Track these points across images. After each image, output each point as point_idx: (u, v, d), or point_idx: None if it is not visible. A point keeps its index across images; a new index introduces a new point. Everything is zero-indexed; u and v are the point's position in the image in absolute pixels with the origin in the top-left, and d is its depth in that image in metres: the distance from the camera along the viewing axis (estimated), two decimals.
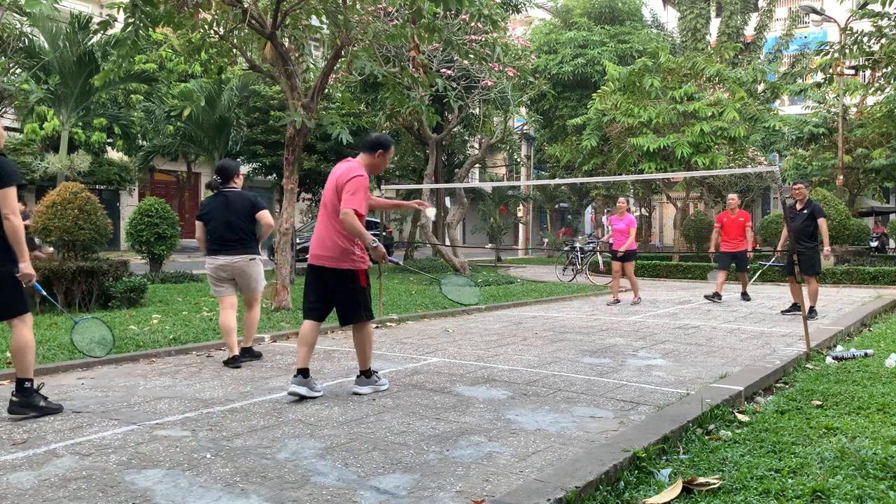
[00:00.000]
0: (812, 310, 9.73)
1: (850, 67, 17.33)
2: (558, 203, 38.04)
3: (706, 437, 4.17)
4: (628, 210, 12.39)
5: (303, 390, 5.09)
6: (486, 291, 13.36)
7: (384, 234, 20.52)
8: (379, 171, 5.45)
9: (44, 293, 5.60)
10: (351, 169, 5.15)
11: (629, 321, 9.70)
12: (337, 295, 5.26)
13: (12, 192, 4.49)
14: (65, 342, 6.88)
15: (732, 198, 12.59)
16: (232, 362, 6.33)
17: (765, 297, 13.05)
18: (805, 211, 9.77)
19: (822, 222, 9.72)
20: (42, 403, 4.65)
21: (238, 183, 6.72)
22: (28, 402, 4.61)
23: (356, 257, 5.16)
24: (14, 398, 4.62)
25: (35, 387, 4.69)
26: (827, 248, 9.79)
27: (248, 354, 6.64)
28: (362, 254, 5.21)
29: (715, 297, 12.24)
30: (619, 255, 12.11)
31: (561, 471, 3.41)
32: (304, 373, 5.13)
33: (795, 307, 9.79)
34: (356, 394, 5.28)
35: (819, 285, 10.46)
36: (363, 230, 4.99)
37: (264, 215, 6.60)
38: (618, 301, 12.12)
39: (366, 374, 5.39)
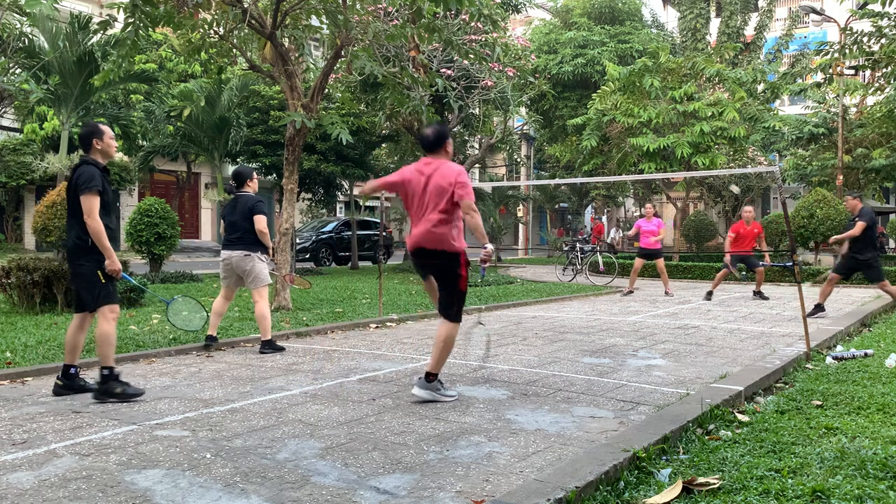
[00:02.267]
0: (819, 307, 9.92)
1: (850, 67, 17.31)
2: (558, 203, 38.04)
3: (706, 437, 4.17)
4: (655, 214, 14.25)
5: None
6: (486, 291, 13.36)
7: (385, 234, 20.53)
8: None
9: (134, 283, 6.57)
10: (446, 162, 5.18)
11: (629, 321, 9.70)
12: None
13: (93, 198, 4.95)
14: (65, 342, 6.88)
15: (749, 210, 12.80)
16: (207, 340, 7.12)
17: (767, 296, 13.05)
18: (855, 219, 9.69)
19: (858, 225, 9.63)
20: (118, 390, 4.97)
21: (251, 187, 7.21)
22: (106, 390, 4.95)
23: (455, 243, 5.17)
24: (96, 386, 5.00)
25: (115, 374, 5.03)
26: (844, 247, 9.85)
27: (269, 348, 7.08)
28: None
29: (708, 295, 12.84)
30: (647, 253, 13.98)
31: (561, 471, 3.41)
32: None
33: (819, 308, 9.87)
34: (413, 395, 5.05)
35: (813, 286, 10.54)
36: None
37: (257, 220, 7.05)
38: (631, 292, 13.91)
39: (429, 378, 5.09)
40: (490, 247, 5.15)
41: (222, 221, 7.35)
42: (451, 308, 5.13)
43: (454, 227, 5.14)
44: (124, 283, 9.77)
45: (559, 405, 4.96)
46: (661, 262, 14.07)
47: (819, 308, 9.83)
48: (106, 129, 5.25)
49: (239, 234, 7.03)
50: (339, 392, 5.36)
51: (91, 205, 4.94)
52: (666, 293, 13.73)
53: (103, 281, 5.04)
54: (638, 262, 14.30)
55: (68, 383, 5.19)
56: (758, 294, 12.82)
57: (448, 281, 5.17)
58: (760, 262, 12.77)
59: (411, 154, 23.59)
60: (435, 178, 5.09)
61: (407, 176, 5.25)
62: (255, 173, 7.35)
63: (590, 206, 39.68)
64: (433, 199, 5.08)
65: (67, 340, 5.20)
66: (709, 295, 12.86)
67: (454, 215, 5.11)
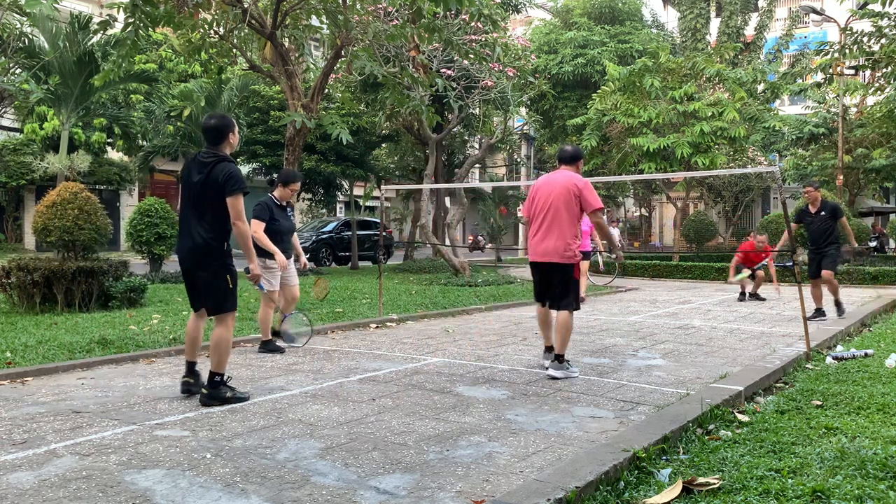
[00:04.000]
0: (838, 306, 9.72)
1: (850, 67, 17.32)
2: None
3: (706, 437, 4.17)
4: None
5: (559, 374, 5.84)
6: (486, 291, 13.36)
7: (384, 234, 20.54)
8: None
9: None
10: (575, 176, 6.13)
11: (629, 321, 9.70)
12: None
13: (241, 199, 4.88)
14: (65, 342, 6.89)
15: (762, 238, 12.78)
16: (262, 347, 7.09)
17: (765, 296, 13.05)
18: (823, 213, 9.43)
19: (843, 222, 9.47)
20: (228, 394, 4.96)
21: (275, 193, 7.12)
22: (215, 395, 4.92)
23: (573, 252, 5.99)
24: (204, 390, 4.95)
25: (224, 378, 5.01)
26: (854, 244, 9.75)
27: (264, 348, 7.07)
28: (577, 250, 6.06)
29: (744, 296, 12.75)
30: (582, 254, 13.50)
31: (561, 471, 3.41)
32: (549, 349, 6.18)
33: (819, 312, 9.61)
34: (551, 377, 5.83)
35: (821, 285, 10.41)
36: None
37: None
38: (583, 299, 13.88)
39: (559, 359, 5.91)
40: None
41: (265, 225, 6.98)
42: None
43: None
44: (125, 284, 9.78)
45: (559, 405, 4.97)
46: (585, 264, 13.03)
47: (819, 312, 9.67)
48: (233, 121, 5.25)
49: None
50: (339, 392, 5.36)
51: (240, 207, 4.86)
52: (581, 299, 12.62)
53: (231, 286, 4.98)
54: (583, 266, 12.87)
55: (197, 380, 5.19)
56: (754, 296, 12.79)
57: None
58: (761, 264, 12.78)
59: (411, 154, 23.62)
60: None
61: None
62: (283, 178, 7.23)
63: None
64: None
65: (188, 334, 5.26)
66: (755, 296, 12.73)
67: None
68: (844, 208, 19.09)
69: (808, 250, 9.66)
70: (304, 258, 7.44)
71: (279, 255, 6.75)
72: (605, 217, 6.18)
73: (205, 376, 5.09)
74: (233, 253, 5.11)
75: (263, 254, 6.69)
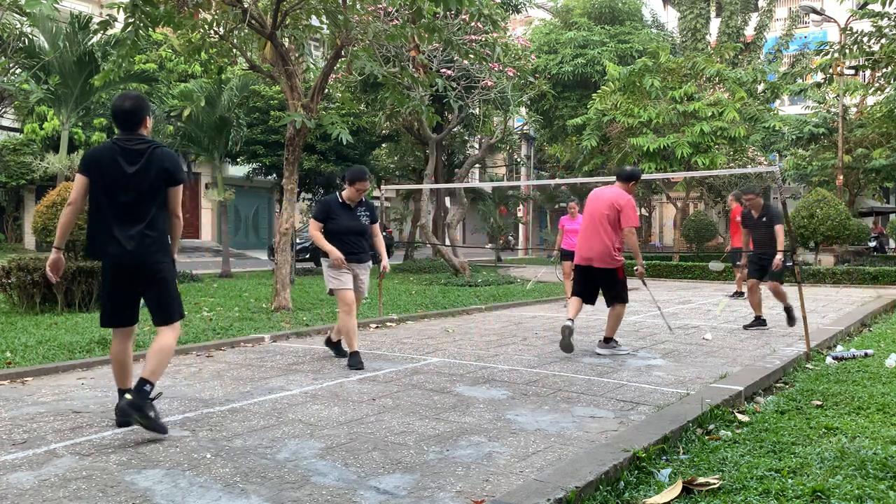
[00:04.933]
0: (788, 311, 9.28)
1: (850, 67, 17.32)
2: (558, 203, 38.04)
3: (706, 437, 4.17)
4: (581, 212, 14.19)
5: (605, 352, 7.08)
6: (486, 291, 13.36)
7: (384, 234, 20.53)
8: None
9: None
10: (622, 194, 7.07)
11: (629, 321, 9.69)
12: (606, 286, 7.27)
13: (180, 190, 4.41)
14: (65, 342, 6.88)
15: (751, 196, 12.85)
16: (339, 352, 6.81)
17: (764, 297, 13.04)
18: (764, 219, 9.35)
19: (778, 229, 9.27)
20: (151, 413, 4.17)
21: (343, 193, 6.62)
22: (140, 406, 4.15)
23: (617, 257, 7.08)
24: (128, 395, 4.21)
25: (152, 395, 4.27)
26: (779, 255, 9.23)
27: (332, 346, 6.91)
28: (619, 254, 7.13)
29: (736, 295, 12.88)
30: (572, 254, 13.50)
31: (561, 471, 3.41)
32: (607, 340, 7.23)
33: (759, 321, 9.30)
34: (597, 354, 7.03)
35: (813, 286, 10.43)
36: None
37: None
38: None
39: (606, 341, 7.17)
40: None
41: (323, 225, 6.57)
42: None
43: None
44: None
45: (559, 405, 4.96)
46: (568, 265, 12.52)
47: (760, 321, 9.27)
48: None
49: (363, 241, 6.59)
50: (339, 392, 5.36)
51: (181, 197, 4.50)
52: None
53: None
54: (567, 266, 11.92)
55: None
56: (738, 294, 12.86)
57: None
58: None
59: (411, 154, 23.63)
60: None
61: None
62: (350, 176, 6.60)
63: None
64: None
65: (116, 360, 4.50)
66: (736, 295, 12.84)
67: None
68: (843, 208, 19.12)
69: (752, 254, 9.58)
70: (385, 261, 6.93)
71: (334, 252, 6.26)
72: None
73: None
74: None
75: (326, 253, 6.41)
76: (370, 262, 6.76)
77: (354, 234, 6.53)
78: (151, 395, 4.23)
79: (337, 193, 6.69)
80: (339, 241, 6.41)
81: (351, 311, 6.37)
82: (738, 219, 12.36)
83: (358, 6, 9.50)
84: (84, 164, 4.34)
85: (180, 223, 4.47)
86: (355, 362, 6.30)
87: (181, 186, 4.41)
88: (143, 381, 4.22)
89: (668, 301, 12.62)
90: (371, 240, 6.71)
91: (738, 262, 12.64)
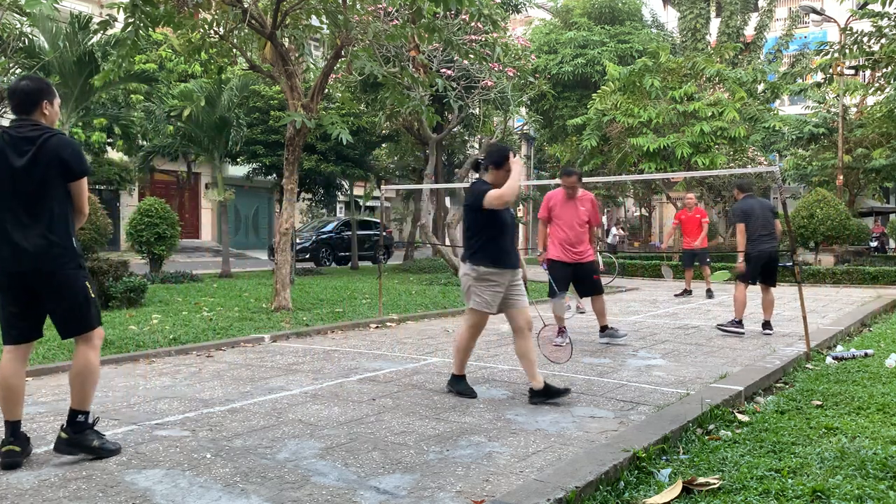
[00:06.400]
0: (709, 292, 10.48)
1: (850, 67, 17.32)
2: None
3: (706, 437, 4.17)
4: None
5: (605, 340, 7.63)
6: None
7: (385, 234, 20.53)
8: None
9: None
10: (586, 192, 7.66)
11: (629, 321, 9.69)
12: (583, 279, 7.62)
13: (86, 183, 3.86)
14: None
15: (691, 196, 13.17)
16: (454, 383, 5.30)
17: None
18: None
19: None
20: (95, 443, 3.78)
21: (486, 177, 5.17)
22: (79, 441, 3.75)
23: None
24: (63, 434, 3.75)
25: (90, 421, 3.83)
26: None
27: (457, 387, 5.31)
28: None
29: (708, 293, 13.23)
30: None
31: (561, 471, 3.41)
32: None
33: (687, 292, 11.32)
34: (603, 343, 7.54)
35: (813, 286, 10.49)
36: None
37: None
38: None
39: (602, 329, 7.70)
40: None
41: (452, 222, 5.61)
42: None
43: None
44: (124, 284, 9.77)
45: (559, 405, 4.96)
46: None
47: (687, 292, 11.39)
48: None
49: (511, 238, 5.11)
50: (339, 392, 5.36)
51: (86, 192, 3.93)
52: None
53: (93, 295, 3.87)
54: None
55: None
56: (708, 292, 13.14)
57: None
58: (708, 260, 13.15)
59: (411, 154, 23.62)
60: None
61: None
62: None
63: None
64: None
65: (5, 383, 3.77)
66: (686, 293, 13.24)
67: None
68: (843, 208, 19.14)
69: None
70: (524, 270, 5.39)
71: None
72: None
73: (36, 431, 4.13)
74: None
75: (481, 260, 4.97)
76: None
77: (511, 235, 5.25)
78: (90, 422, 3.80)
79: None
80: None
81: (474, 330, 5.33)
82: (676, 222, 12.91)
83: (358, 6, 9.51)
84: None
85: (84, 218, 3.90)
86: (467, 389, 5.26)
87: (84, 180, 3.78)
88: (74, 413, 3.76)
89: (668, 301, 12.62)
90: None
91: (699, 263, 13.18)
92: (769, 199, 36.55)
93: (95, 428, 3.86)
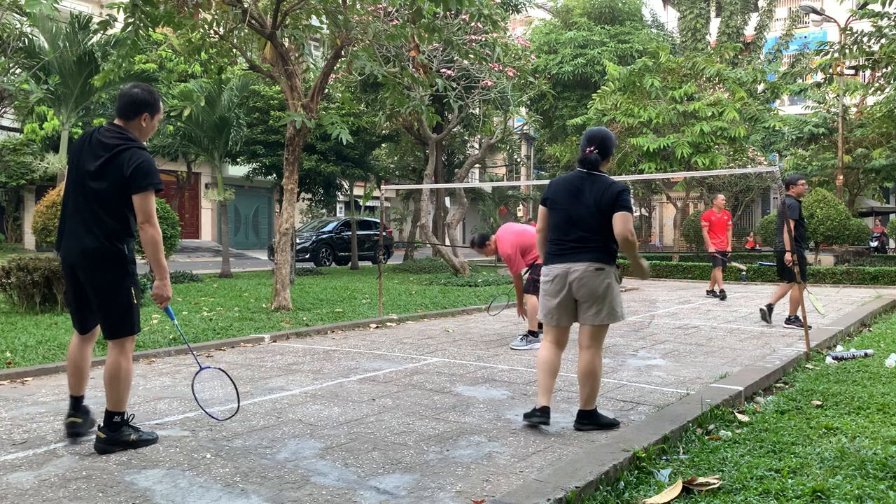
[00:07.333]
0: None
1: (850, 67, 17.33)
2: None
3: (706, 437, 4.16)
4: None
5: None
6: (486, 291, 13.36)
7: (384, 234, 20.53)
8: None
9: (175, 322, 4.40)
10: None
11: (629, 321, 9.69)
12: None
13: (152, 198, 3.90)
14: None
15: (722, 198, 13.11)
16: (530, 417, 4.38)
17: (763, 297, 13.04)
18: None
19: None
20: (132, 437, 3.93)
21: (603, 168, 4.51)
22: (116, 439, 3.89)
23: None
24: (101, 434, 3.89)
25: (126, 418, 3.97)
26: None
27: (591, 420, 4.38)
28: None
29: (721, 294, 12.93)
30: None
31: (561, 471, 3.41)
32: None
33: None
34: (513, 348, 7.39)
35: (813, 286, 10.52)
36: None
37: (621, 218, 4.32)
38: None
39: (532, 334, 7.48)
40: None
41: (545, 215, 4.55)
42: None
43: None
44: None
45: (559, 405, 4.96)
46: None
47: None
48: None
49: (585, 234, 4.31)
50: (339, 392, 5.36)
51: (151, 207, 3.99)
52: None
53: (134, 301, 4.02)
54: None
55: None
56: (711, 292, 13.07)
57: None
58: (761, 263, 12.96)
59: (411, 154, 23.63)
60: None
61: None
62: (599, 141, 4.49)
63: None
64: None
65: (72, 361, 4.19)
66: (721, 294, 12.85)
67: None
68: (843, 208, 19.14)
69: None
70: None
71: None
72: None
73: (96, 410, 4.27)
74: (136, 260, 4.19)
75: (614, 259, 4.38)
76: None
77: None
78: (126, 419, 3.96)
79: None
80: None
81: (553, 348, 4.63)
82: (706, 224, 12.80)
83: (358, 6, 9.51)
84: (69, 151, 4.02)
85: (149, 233, 3.86)
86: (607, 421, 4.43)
87: (147, 194, 3.85)
88: (110, 414, 3.91)
89: (668, 301, 12.62)
90: None
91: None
92: (769, 199, 36.53)
93: (132, 423, 4.03)
